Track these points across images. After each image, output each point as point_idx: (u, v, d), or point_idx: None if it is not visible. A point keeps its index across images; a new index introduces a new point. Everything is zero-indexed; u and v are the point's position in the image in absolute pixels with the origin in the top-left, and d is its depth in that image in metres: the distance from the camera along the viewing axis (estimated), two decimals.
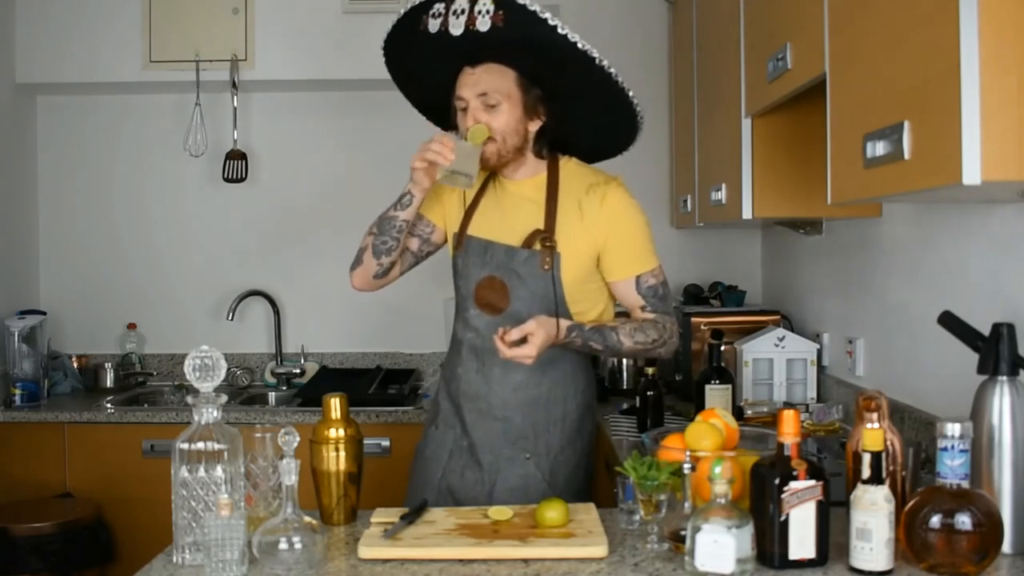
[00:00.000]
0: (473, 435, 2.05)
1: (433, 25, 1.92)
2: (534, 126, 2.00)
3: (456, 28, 1.89)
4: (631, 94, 1.98)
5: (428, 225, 2.15)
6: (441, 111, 2.11)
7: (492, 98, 1.94)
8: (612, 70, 1.91)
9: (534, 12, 1.84)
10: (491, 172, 2.06)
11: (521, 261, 1.98)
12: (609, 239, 1.97)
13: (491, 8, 1.85)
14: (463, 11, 1.87)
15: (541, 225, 1.97)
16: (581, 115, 2.05)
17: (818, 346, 2.76)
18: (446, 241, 2.17)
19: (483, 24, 1.85)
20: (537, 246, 1.96)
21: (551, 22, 1.84)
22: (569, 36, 1.86)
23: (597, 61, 1.89)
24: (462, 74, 1.97)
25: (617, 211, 1.98)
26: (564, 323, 1.92)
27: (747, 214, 2.40)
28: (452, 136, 1.92)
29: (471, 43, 1.91)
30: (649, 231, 2.03)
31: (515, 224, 2.01)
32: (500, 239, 2.01)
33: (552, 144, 2.04)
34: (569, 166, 2.05)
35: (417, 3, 1.95)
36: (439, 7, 1.92)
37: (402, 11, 1.98)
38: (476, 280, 2.02)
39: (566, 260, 1.96)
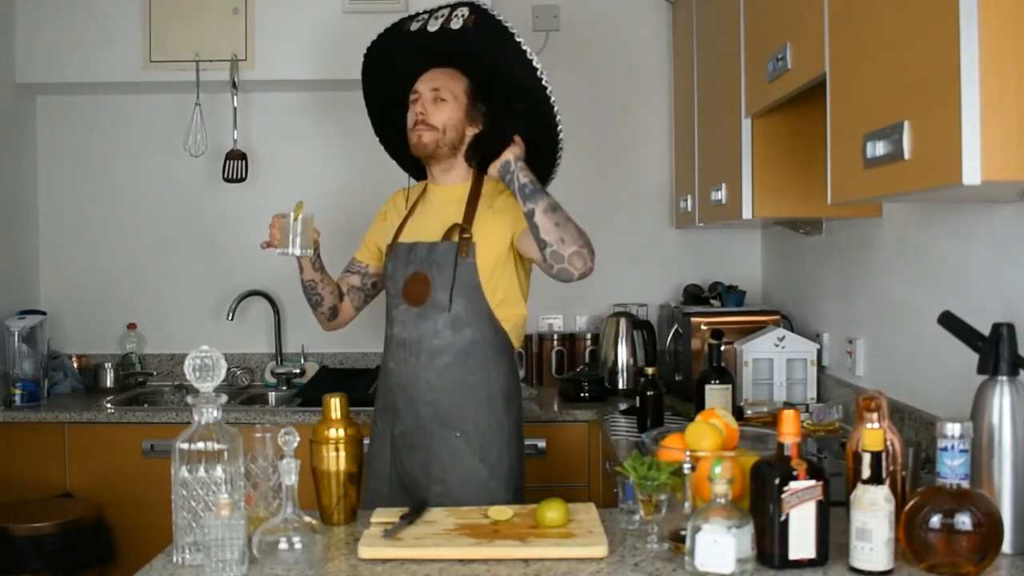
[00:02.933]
0: (407, 421, 2.20)
1: (414, 26, 2.28)
2: (471, 131, 2.26)
3: (433, 26, 2.23)
4: (559, 120, 2.25)
5: (360, 265, 2.43)
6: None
7: (442, 93, 2.22)
8: (549, 91, 2.19)
9: (499, 20, 2.17)
10: (423, 189, 2.34)
11: (441, 252, 2.18)
12: (517, 214, 2.15)
13: (466, 13, 2.20)
14: (442, 15, 2.23)
15: (460, 221, 2.19)
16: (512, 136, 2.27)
17: (818, 346, 2.77)
18: None
19: (456, 24, 2.19)
20: (455, 238, 2.18)
21: (511, 30, 2.16)
22: (523, 44, 2.16)
23: (543, 81, 2.18)
24: (424, 74, 2.27)
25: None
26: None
27: (747, 214, 2.41)
28: (280, 215, 2.16)
29: (441, 46, 2.23)
30: None
31: (437, 224, 2.22)
32: (423, 239, 2.22)
33: (483, 162, 2.23)
34: (491, 180, 2.25)
35: (406, 15, 2.32)
36: (422, 15, 2.28)
37: (389, 25, 2.34)
38: (403, 278, 2.21)
39: (481, 249, 2.17)
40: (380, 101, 2.48)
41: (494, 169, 2.14)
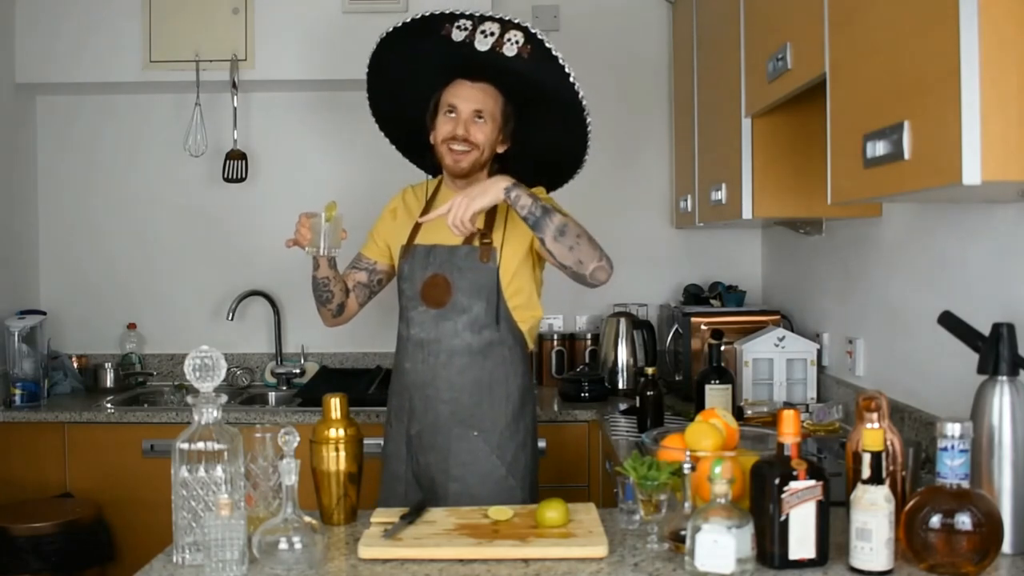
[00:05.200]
0: (424, 421, 2.21)
1: (457, 35, 2.17)
2: (501, 148, 2.28)
3: (482, 45, 2.15)
4: (587, 147, 2.34)
5: (367, 261, 2.39)
6: (396, 120, 2.44)
7: (483, 115, 2.20)
8: (588, 119, 2.24)
9: (556, 56, 2.13)
10: (436, 188, 2.33)
11: (462, 256, 2.18)
12: None
13: (520, 40, 2.13)
14: (492, 33, 2.14)
15: (481, 227, 2.18)
16: (535, 153, 2.32)
17: (818, 346, 2.77)
18: (394, 267, 2.35)
19: (510, 50, 2.13)
20: (476, 242, 2.18)
21: (567, 70, 2.14)
22: (576, 86, 2.16)
23: (587, 117, 2.23)
24: (458, 85, 2.22)
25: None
26: (503, 181, 2.03)
27: (747, 214, 2.41)
28: (309, 215, 2.11)
29: (479, 61, 2.16)
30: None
31: None
32: (442, 241, 2.20)
33: (501, 171, 2.25)
34: None
35: (445, 12, 2.17)
36: (465, 23, 2.16)
37: (424, 13, 2.19)
38: (422, 280, 2.21)
39: (502, 254, 2.18)
40: (390, 91, 2.42)
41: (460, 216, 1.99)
